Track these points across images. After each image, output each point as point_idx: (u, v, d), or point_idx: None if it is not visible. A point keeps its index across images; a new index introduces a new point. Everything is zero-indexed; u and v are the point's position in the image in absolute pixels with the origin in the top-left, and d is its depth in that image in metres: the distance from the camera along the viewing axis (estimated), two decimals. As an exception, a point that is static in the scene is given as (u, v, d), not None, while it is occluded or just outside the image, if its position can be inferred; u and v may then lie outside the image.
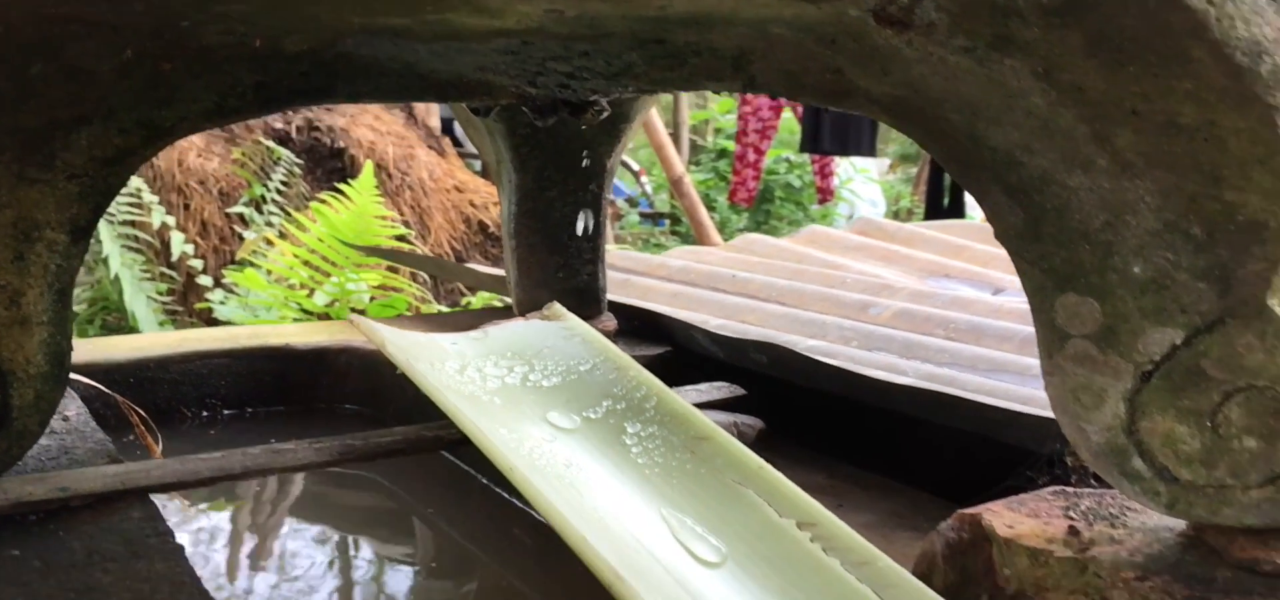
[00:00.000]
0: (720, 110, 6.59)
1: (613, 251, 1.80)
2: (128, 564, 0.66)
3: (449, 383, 0.91)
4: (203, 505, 1.09)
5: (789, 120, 5.71)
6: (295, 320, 2.28)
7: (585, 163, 1.22)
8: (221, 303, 2.63)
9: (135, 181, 2.94)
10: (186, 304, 2.92)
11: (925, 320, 1.27)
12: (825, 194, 5.58)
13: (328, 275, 2.41)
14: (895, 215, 6.33)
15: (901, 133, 0.70)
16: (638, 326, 1.36)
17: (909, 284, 1.52)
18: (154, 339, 1.35)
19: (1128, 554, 0.63)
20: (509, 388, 0.93)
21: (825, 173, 5.48)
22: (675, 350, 1.30)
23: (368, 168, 2.73)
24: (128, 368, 1.21)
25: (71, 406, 0.96)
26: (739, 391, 1.09)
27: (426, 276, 2.96)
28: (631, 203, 6.65)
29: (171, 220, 2.95)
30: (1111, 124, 0.57)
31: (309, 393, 1.32)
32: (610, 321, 1.30)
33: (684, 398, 0.92)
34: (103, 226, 2.73)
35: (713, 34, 0.65)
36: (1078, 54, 0.55)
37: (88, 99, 0.66)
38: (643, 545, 0.71)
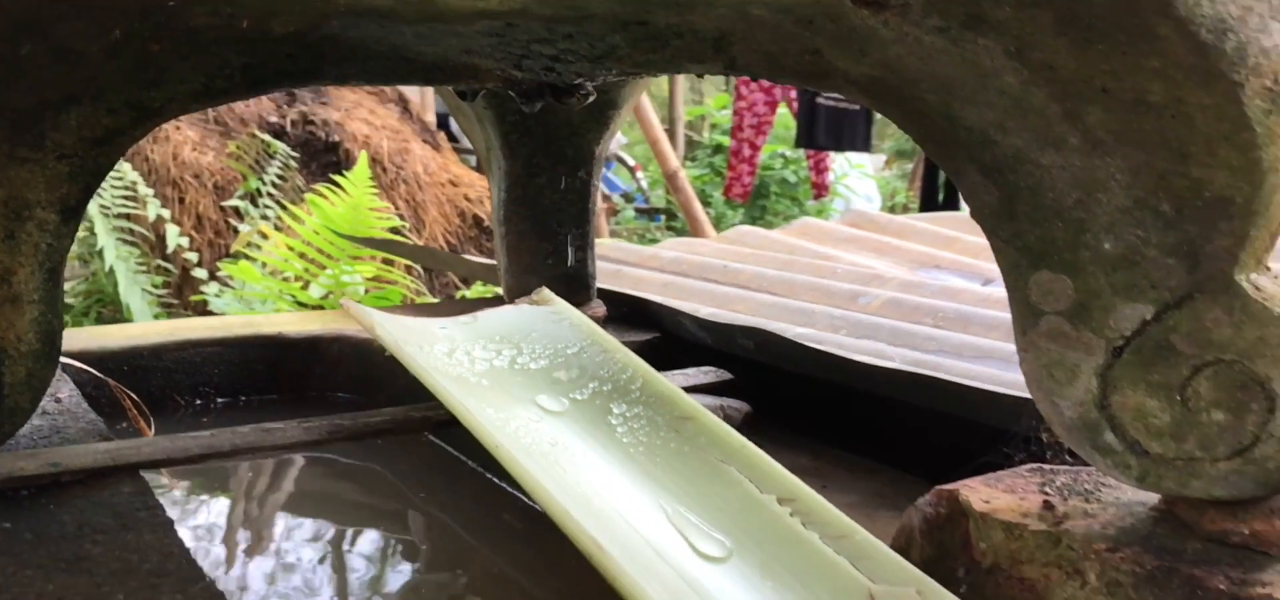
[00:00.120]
0: (716, 105, 6.61)
1: (605, 243, 1.81)
2: (117, 535, 0.67)
3: (438, 365, 0.92)
4: (195, 497, 1.10)
5: (784, 116, 5.73)
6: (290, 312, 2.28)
7: (574, 150, 1.23)
8: (216, 295, 2.64)
9: (131, 174, 2.95)
10: (182, 297, 2.93)
11: (914, 309, 1.28)
12: (820, 189, 5.60)
13: (323, 268, 2.42)
14: (890, 211, 6.34)
15: (880, 114, 0.71)
16: (626, 313, 1.37)
17: (899, 275, 1.53)
18: (147, 328, 1.36)
19: (1100, 527, 0.65)
20: (497, 370, 0.94)
21: (820, 168, 5.50)
22: (664, 336, 1.31)
23: (363, 160, 2.74)
24: (121, 356, 1.22)
25: (64, 389, 0.97)
26: (726, 376, 1.11)
27: (421, 269, 2.97)
28: (627, 198, 6.67)
29: (167, 213, 2.96)
30: (1082, 102, 0.58)
31: (302, 381, 1.33)
32: (599, 308, 1.31)
33: (671, 381, 0.93)
34: (98, 219, 2.74)
35: (694, 16, 0.66)
36: (1048, 32, 0.56)
37: (77, 79, 0.67)
38: (625, 519, 0.72)
